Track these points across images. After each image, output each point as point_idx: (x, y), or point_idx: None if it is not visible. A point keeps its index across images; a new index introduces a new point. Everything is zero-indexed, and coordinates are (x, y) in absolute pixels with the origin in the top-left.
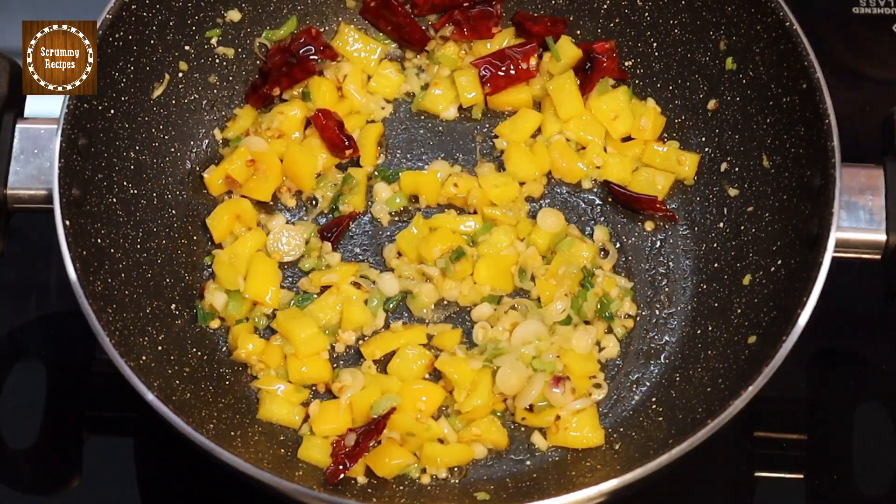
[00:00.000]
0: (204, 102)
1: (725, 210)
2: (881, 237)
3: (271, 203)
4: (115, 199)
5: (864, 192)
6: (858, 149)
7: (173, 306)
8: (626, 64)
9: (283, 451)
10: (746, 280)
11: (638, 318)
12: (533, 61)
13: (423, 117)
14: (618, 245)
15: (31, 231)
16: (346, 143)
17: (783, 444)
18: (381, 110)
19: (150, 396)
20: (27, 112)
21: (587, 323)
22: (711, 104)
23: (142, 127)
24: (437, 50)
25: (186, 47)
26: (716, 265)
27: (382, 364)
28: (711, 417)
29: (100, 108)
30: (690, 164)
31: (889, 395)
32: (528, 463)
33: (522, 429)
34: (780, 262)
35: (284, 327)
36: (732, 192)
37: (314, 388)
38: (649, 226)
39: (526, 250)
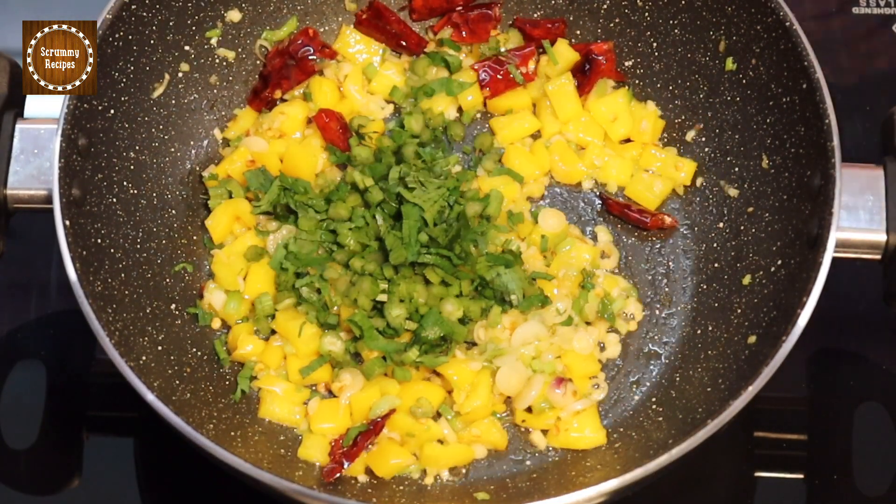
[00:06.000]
0: (204, 102)
1: (725, 210)
2: (881, 237)
3: None
4: (115, 199)
5: (864, 192)
6: (858, 149)
7: (173, 306)
8: (626, 64)
9: (282, 451)
10: (746, 280)
11: (638, 319)
12: (532, 65)
13: None
14: (618, 245)
15: (31, 231)
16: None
17: (783, 444)
18: (382, 110)
19: (150, 396)
20: (27, 112)
21: (588, 324)
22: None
23: (142, 127)
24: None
25: (186, 47)
26: (716, 265)
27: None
28: (711, 417)
29: (100, 108)
30: (688, 170)
31: (889, 395)
32: (528, 463)
33: (522, 429)
34: (780, 262)
35: (284, 327)
36: (732, 192)
37: (314, 387)
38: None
39: (526, 250)
